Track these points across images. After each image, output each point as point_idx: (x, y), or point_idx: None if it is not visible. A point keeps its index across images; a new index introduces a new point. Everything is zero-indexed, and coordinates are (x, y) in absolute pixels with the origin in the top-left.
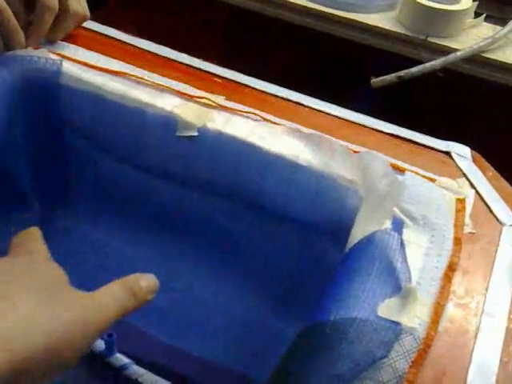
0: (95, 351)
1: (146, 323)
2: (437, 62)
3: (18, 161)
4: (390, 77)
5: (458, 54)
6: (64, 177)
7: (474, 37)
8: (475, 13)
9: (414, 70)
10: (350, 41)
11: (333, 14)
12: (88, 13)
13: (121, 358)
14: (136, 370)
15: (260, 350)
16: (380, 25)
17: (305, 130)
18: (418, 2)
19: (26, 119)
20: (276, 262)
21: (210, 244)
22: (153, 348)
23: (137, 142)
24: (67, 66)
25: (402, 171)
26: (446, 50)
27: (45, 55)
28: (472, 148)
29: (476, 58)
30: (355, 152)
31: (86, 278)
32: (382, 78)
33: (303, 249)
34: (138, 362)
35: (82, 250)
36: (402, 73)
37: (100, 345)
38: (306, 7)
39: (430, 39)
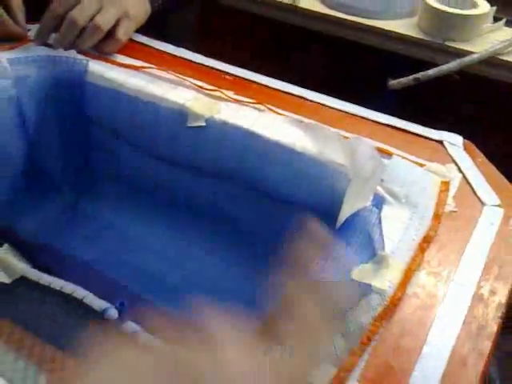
0: (109, 319)
1: (159, 298)
2: (453, 64)
3: (51, 153)
4: (407, 79)
5: (474, 55)
6: (90, 166)
7: (492, 41)
8: (495, 18)
9: (431, 72)
10: (370, 46)
11: (354, 22)
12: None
13: (131, 325)
14: (147, 336)
15: None
16: (399, 30)
17: (306, 120)
18: (436, 8)
19: (57, 115)
20: (278, 242)
21: (219, 227)
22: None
23: (151, 133)
24: (93, 66)
25: (390, 155)
26: (463, 54)
27: (73, 55)
28: (485, 150)
29: (493, 61)
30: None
31: (109, 258)
32: (399, 80)
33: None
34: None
35: (105, 233)
36: (418, 75)
37: (113, 313)
38: (327, 15)
39: (448, 43)
